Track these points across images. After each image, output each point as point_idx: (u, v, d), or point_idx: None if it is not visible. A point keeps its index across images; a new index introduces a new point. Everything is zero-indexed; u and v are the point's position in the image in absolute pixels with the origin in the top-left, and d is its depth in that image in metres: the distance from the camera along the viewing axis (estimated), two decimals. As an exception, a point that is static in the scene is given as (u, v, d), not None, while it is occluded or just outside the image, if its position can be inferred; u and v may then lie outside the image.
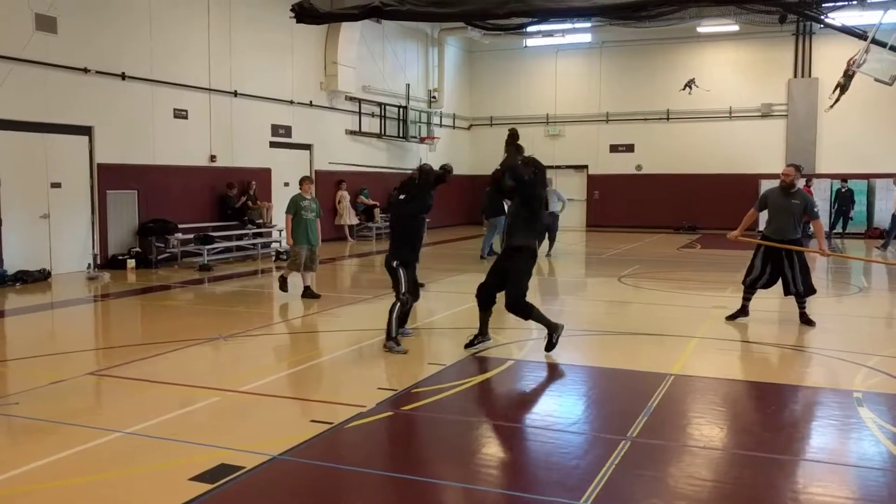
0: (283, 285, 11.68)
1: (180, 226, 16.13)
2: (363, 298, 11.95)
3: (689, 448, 5.47)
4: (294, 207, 11.42)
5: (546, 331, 7.90)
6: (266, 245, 18.14)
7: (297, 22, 12.93)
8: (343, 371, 7.68)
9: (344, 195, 21.52)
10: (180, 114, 16.60)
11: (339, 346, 8.49)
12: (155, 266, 15.47)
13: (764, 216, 10.09)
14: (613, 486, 4.62)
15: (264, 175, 19.02)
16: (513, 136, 7.87)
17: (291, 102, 19.88)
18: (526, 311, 7.75)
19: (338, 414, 5.93)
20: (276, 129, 19.47)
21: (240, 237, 17.37)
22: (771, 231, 9.53)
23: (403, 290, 8.35)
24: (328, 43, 21.00)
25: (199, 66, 17.02)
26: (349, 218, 21.67)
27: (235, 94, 17.95)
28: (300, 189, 11.70)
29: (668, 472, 5.01)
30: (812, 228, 10.63)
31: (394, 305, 8.31)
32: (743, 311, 9.83)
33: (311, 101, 20.63)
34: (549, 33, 26.26)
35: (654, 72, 26.80)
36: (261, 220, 18.09)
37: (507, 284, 7.77)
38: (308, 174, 18.12)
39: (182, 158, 16.74)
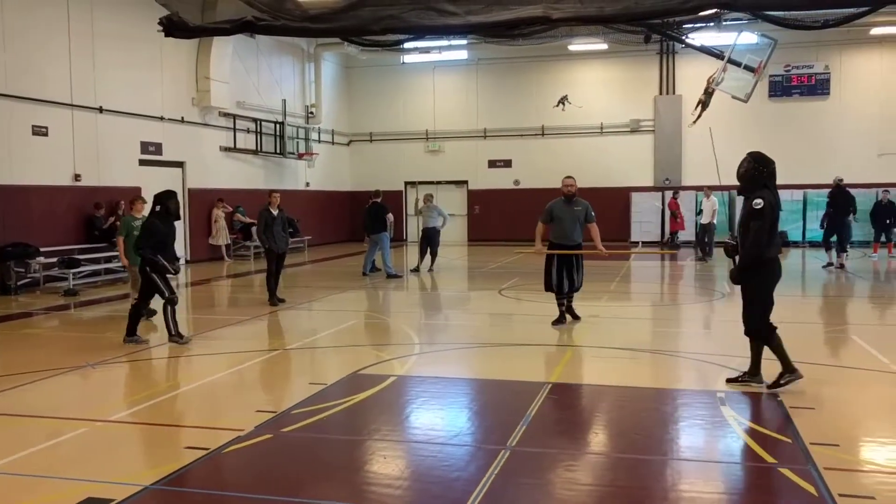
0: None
1: (43, 249, 15.23)
2: (240, 319, 11.64)
3: (567, 454, 5.61)
4: (126, 229, 11.20)
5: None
6: (138, 267, 17.38)
7: (166, 36, 12.50)
8: (220, 395, 7.44)
9: (219, 214, 20.95)
10: (39, 130, 15.73)
11: (215, 370, 8.22)
12: (14, 292, 14.55)
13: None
14: (494, 495, 4.68)
15: (134, 194, 18.21)
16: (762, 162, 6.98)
17: (162, 119, 19.22)
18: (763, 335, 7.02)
19: (214, 439, 5.74)
20: (145, 147, 18.75)
21: (108, 259, 16.58)
22: (558, 237, 10.28)
23: (166, 293, 9.28)
24: (199, 57, 20.45)
25: (60, 80, 16.19)
26: (224, 238, 21.10)
27: (101, 109, 17.19)
28: (132, 210, 11.42)
29: (546, 479, 5.12)
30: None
31: (164, 307, 9.31)
32: (562, 317, 10.43)
33: (182, 118, 20.00)
34: (426, 50, 26.57)
35: (528, 88, 27.56)
36: (132, 241, 17.33)
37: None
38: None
39: (43, 177, 15.85)
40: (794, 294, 15.22)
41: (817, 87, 25.60)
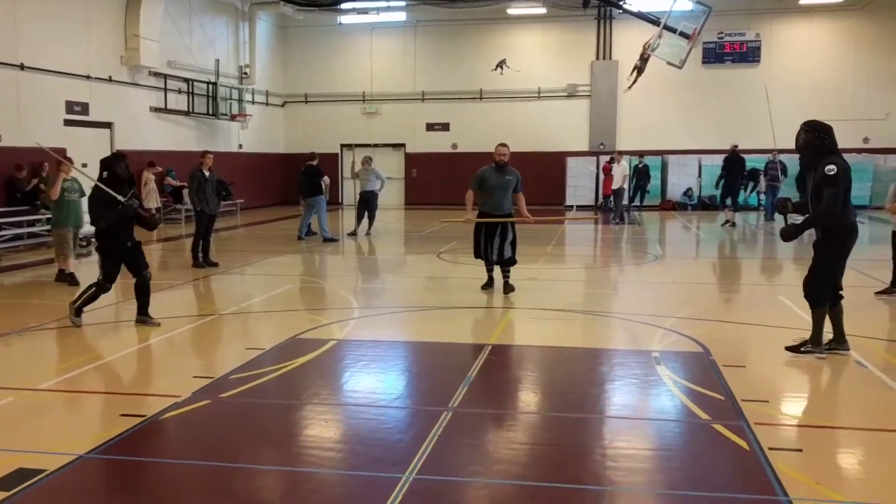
0: (69, 278, 10.96)
1: (-40, 212, 14.58)
2: (172, 284, 11.37)
3: (507, 414, 5.68)
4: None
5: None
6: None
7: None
8: (154, 361, 7.29)
9: (150, 177, 20.35)
10: (-44, 88, 14.96)
11: (147, 336, 8.02)
12: (-70, 258, 13.93)
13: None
14: (437, 456, 4.70)
15: (58, 155, 17.54)
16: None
17: (88, 77, 18.46)
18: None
19: (150, 406, 5.62)
20: (71, 107, 18.01)
21: (31, 223, 15.96)
22: (489, 207, 9.93)
23: (103, 279, 8.33)
24: (129, 15, 19.64)
25: (-22, 35, 15.38)
26: (155, 201, 20.52)
27: (22, 66, 16.40)
28: (59, 171, 11.08)
29: (487, 439, 5.17)
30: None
31: (94, 286, 8.33)
32: (490, 281, 10.26)
33: (110, 77, 19.25)
34: (364, 11, 26.12)
35: (467, 52, 27.37)
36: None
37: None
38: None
39: (-41, 137, 15.11)
40: (723, 256, 15.67)
41: (748, 54, 26.10)
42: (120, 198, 7.96)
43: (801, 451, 4.78)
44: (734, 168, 20.75)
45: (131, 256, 8.43)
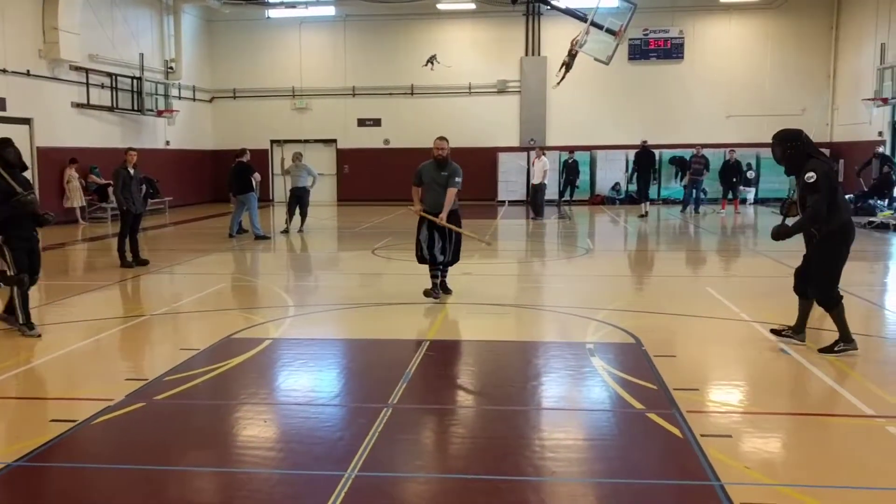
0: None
1: None
2: (100, 285, 11.06)
3: (447, 408, 5.74)
4: None
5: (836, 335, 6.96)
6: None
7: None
8: (84, 365, 7.08)
9: (73, 174, 19.70)
10: None
11: (76, 339, 7.78)
12: None
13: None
14: (378, 453, 4.72)
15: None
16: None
17: (4, 71, 17.75)
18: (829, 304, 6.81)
19: (82, 411, 5.47)
20: (-15, 101, 17.31)
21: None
22: (428, 205, 9.19)
23: (12, 271, 7.68)
24: (46, 5, 18.94)
25: None
26: (78, 199, 19.90)
27: (-68, 60, 15.69)
28: None
29: (428, 434, 5.22)
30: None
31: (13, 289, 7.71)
32: (434, 288, 9.41)
33: (28, 71, 18.55)
34: (292, 4, 25.80)
35: (397, 47, 27.31)
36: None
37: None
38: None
39: None
40: (651, 248, 16.07)
41: (672, 51, 26.77)
42: (18, 189, 7.53)
43: (730, 436, 4.96)
44: (645, 163, 21.74)
45: (31, 254, 7.88)
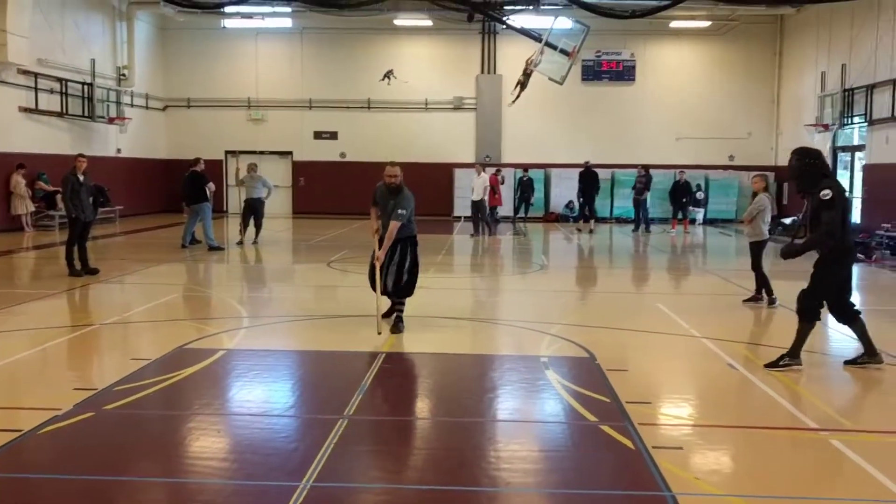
0: None
1: None
2: (46, 294, 10.81)
3: (403, 420, 5.75)
4: None
5: (862, 350, 7.09)
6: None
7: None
8: (30, 374, 6.91)
9: (19, 181, 19.23)
10: None
11: (22, 348, 7.59)
12: None
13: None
14: (333, 464, 4.70)
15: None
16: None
17: (-51, 73, 17.31)
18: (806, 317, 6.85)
19: (29, 420, 5.34)
20: (-72, 104, 16.82)
21: None
22: (383, 227, 8.38)
23: None
24: (-6, 8, 18.54)
25: None
26: (25, 206, 19.43)
27: None
28: None
29: (384, 446, 5.22)
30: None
31: None
32: (389, 311, 8.67)
33: (-26, 73, 18.12)
34: (249, 15, 25.63)
35: (355, 61, 27.32)
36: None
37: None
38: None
39: None
40: (602, 266, 16.31)
41: (624, 73, 27.29)
42: None
43: (681, 448, 5.06)
44: (589, 182, 22.56)
45: None
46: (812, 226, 6.83)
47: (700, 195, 25.19)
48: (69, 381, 6.47)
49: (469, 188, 26.66)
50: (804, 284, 6.89)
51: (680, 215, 22.60)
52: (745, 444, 5.32)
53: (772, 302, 10.18)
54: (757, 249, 10.32)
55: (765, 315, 9.95)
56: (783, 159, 25.55)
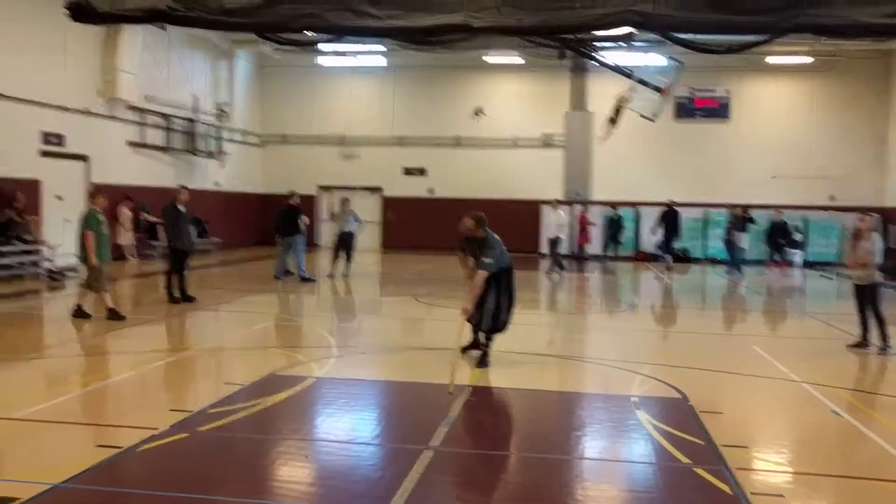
0: (82, 312, 10.67)
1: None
2: (147, 320, 11.23)
3: (490, 454, 5.67)
4: (94, 223, 10.64)
5: None
6: (35, 264, 16.55)
7: (73, 20, 11.96)
8: (131, 394, 7.16)
9: (125, 212, 20.18)
10: (-71, 115, 14.77)
11: (124, 370, 7.90)
12: None
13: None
14: (419, 493, 4.67)
15: (33, 187, 17.37)
16: None
17: (65, 109, 18.37)
18: None
19: (127, 438, 5.52)
20: (46, 137, 17.87)
21: (4, 254, 15.72)
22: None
23: None
24: (107, 46, 19.64)
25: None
26: (130, 236, 20.35)
27: (-1, 96, 16.30)
28: (93, 203, 10.94)
29: (470, 478, 5.15)
30: None
31: None
32: (474, 343, 8.77)
33: (87, 109, 19.17)
34: (343, 53, 26.39)
35: (445, 98, 27.72)
36: (29, 236, 16.49)
37: None
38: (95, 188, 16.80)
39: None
40: (697, 306, 15.84)
41: (719, 110, 26.75)
42: None
43: (782, 496, 4.81)
44: (670, 221, 22.37)
45: None
46: None
47: (798, 236, 24.28)
48: (166, 403, 6.67)
49: (556, 225, 26.66)
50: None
51: (776, 257, 21.81)
52: (852, 495, 5.02)
53: (883, 350, 9.58)
54: (872, 293, 9.73)
55: (873, 362, 9.41)
56: (892, 200, 24.58)
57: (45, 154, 17.87)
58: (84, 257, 10.69)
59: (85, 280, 10.96)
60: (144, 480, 4.93)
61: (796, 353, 10.09)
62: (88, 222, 10.66)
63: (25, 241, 16.34)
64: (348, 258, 17.62)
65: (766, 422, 6.75)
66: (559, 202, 21.56)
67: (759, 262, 23.49)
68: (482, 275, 8.06)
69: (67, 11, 11.62)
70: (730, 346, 10.85)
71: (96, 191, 11.20)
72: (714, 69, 25.70)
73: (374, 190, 28.35)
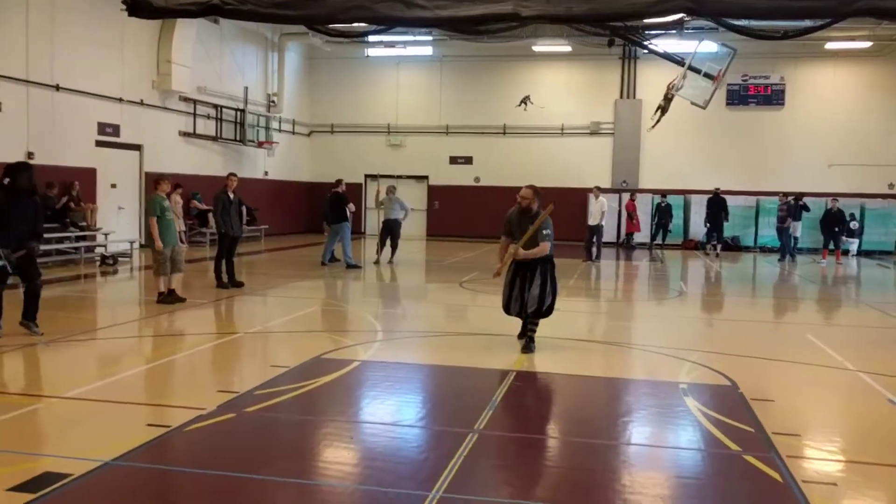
0: (170, 297, 10.96)
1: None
2: (197, 304, 11.42)
3: (535, 438, 5.63)
4: (158, 209, 10.91)
5: None
6: (90, 249, 16.98)
7: (130, 15, 12.19)
8: (180, 375, 7.30)
9: (177, 199, 20.53)
10: (-8, 106, 15.24)
11: (173, 351, 8.06)
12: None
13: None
14: (464, 475, 4.65)
15: (89, 175, 17.82)
16: None
17: (120, 100, 18.78)
18: None
19: (176, 417, 5.62)
20: (102, 128, 18.30)
21: (60, 240, 16.15)
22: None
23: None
24: (161, 40, 20.04)
25: (16, 55, 15.71)
26: (181, 223, 20.71)
27: (57, 87, 16.73)
28: (157, 189, 11.21)
29: (514, 462, 5.12)
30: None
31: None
32: (521, 332, 8.65)
33: (142, 100, 19.58)
34: (391, 44, 26.44)
35: (492, 87, 27.61)
36: (84, 223, 16.92)
37: None
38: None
39: (-6, 154, 15.35)
40: (750, 295, 15.53)
41: (773, 97, 26.15)
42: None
43: (835, 485, 4.68)
44: (716, 208, 22.42)
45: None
46: None
47: (854, 225, 23.63)
48: (214, 384, 6.77)
49: (606, 212, 26.39)
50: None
51: (832, 245, 21.27)
52: (908, 484, 4.85)
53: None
54: None
55: (931, 351, 9.13)
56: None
57: (101, 144, 18.30)
58: (151, 243, 10.98)
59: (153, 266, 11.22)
60: (192, 459, 5.01)
61: (851, 341, 9.82)
62: (153, 208, 10.94)
63: (81, 228, 16.77)
64: (394, 245, 17.70)
65: (819, 410, 6.58)
66: (601, 189, 21.31)
67: (813, 251, 22.96)
68: (546, 246, 8.03)
69: (124, 7, 11.85)
70: (782, 335, 10.62)
71: (164, 178, 11.43)
72: (768, 55, 25.15)
73: (421, 178, 28.40)
